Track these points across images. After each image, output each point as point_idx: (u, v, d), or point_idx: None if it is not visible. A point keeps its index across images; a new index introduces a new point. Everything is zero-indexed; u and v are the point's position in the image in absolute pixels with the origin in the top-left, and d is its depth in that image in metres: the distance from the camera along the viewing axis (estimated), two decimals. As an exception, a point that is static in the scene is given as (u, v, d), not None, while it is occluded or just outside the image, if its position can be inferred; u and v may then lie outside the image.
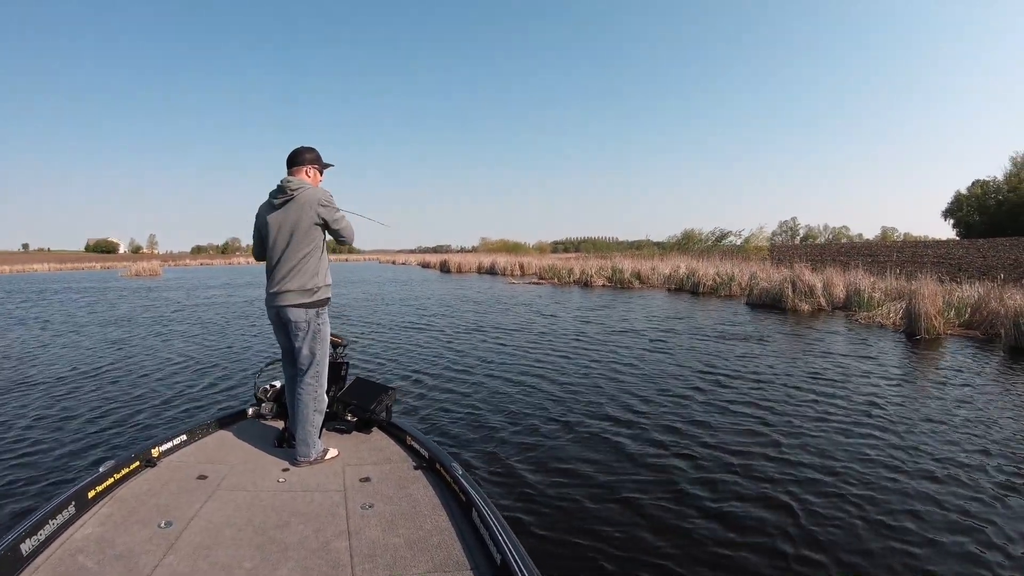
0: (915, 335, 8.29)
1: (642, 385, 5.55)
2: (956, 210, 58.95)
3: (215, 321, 11.26)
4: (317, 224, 2.79)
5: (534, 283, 21.72)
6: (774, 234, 30.26)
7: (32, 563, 1.86)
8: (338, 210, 2.86)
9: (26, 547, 1.87)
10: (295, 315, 2.78)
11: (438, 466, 2.62)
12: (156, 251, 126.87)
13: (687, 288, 16.62)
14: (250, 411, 3.46)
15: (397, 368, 6.50)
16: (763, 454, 3.72)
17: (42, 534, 1.96)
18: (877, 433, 4.08)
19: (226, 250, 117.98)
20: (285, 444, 2.99)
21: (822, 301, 11.71)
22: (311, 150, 2.94)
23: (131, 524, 2.14)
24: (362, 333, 9.23)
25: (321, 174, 3.00)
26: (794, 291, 11.91)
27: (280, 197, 2.80)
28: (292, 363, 2.92)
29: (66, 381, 5.97)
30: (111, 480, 2.43)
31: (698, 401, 4.97)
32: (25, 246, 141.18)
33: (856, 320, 9.93)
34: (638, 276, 19.04)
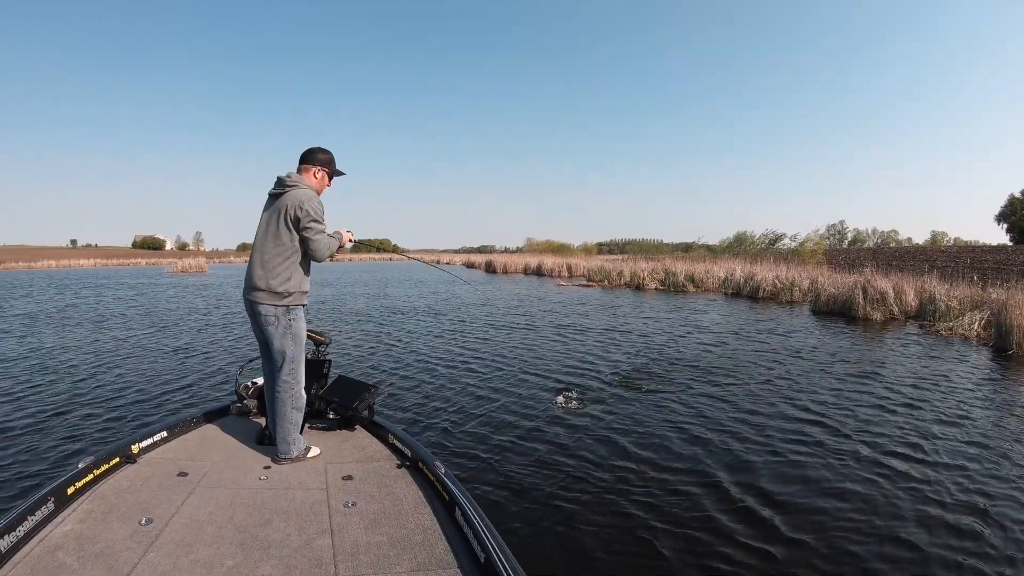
0: (1006, 350, 7.86)
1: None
2: (1010, 214, 56.27)
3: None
4: (293, 224, 2.68)
5: (583, 285, 21.78)
6: (821, 238, 29.23)
7: (10, 560, 1.83)
8: (317, 220, 2.71)
9: (4, 544, 1.84)
10: (265, 310, 2.72)
11: (421, 465, 2.62)
12: (202, 248, 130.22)
13: (745, 293, 16.39)
14: (232, 407, 3.43)
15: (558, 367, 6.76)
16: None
17: (20, 531, 1.91)
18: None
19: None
20: (267, 441, 2.94)
21: (894, 310, 11.33)
22: (325, 152, 2.88)
23: (111, 521, 2.11)
24: (501, 337, 9.18)
25: (330, 180, 2.94)
26: (865, 298, 11.57)
27: (276, 190, 2.76)
28: (269, 359, 2.86)
29: (64, 375, 6.13)
30: (90, 476, 2.39)
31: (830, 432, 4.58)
32: (73, 242, 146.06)
33: (935, 331, 9.54)
34: (692, 279, 18.86)
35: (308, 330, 3.14)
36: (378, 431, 3.14)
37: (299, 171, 2.84)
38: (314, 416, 3.25)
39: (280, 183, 2.75)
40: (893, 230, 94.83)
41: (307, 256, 2.79)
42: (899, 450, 4.05)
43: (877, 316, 11.20)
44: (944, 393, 5.67)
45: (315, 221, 2.70)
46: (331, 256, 2.94)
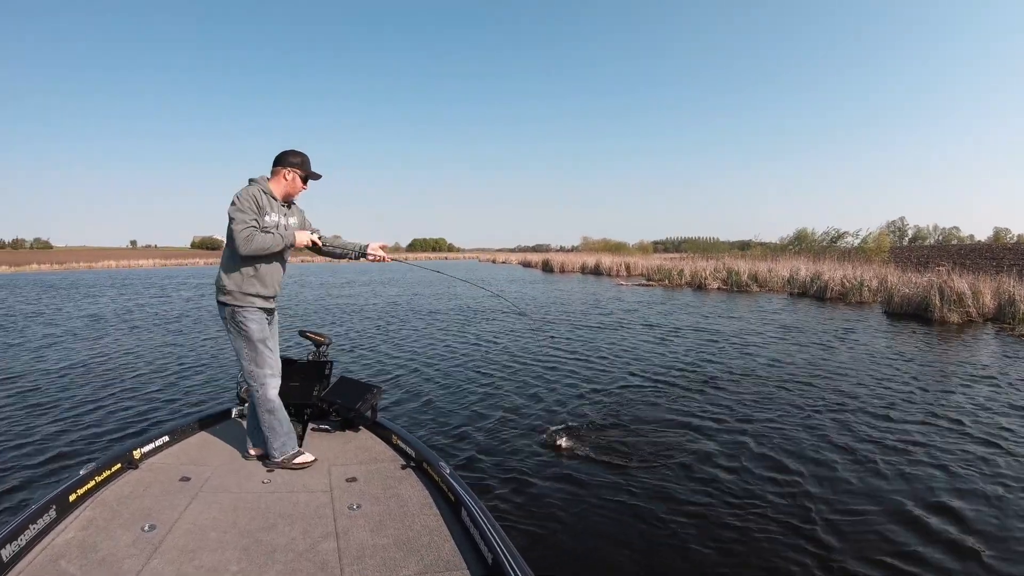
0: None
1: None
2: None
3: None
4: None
5: (643, 285, 22.07)
6: (883, 234, 28.38)
7: (13, 569, 1.81)
8: (240, 211, 2.62)
9: (6, 553, 1.82)
10: (219, 309, 2.79)
11: (425, 465, 2.62)
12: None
13: (811, 293, 16.37)
14: (234, 411, 3.43)
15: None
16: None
17: (22, 539, 1.90)
18: None
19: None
20: None
21: (972, 312, 11.24)
22: (297, 154, 2.84)
23: (114, 528, 2.10)
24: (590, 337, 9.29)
25: (304, 182, 2.89)
26: (942, 299, 11.52)
27: None
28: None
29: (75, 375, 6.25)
30: (92, 483, 2.37)
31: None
32: (133, 243, 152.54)
33: (1018, 334, 9.41)
34: (755, 279, 18.96)
35: (308, 331, 3.34)
36: (382, 432, 3.14)
37: (272, 174, 2.84)
38: (317, 418, 3.28)
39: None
40: (955, 227, 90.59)
41: (242, 257, 2.67)
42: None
43: (954, 318, 11.09)
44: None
45: (239, 211, 2.63)
46: (284, 255, 2.85)
